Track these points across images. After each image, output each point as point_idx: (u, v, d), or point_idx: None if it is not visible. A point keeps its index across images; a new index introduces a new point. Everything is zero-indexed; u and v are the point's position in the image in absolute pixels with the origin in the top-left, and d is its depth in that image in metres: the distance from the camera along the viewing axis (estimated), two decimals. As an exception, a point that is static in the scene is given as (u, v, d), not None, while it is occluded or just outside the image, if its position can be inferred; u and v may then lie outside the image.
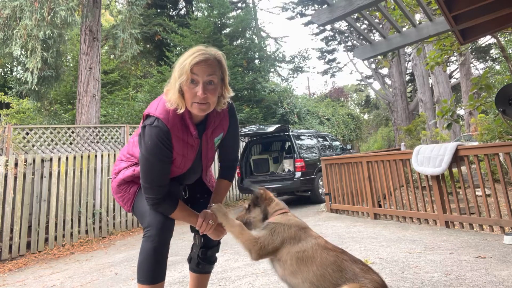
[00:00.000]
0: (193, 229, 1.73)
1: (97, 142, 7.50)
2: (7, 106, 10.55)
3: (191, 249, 1.82)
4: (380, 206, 5.10)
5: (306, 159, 7.23)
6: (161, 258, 1.51)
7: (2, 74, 13.63)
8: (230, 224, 1.48)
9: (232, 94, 1.56)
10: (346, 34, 22.36)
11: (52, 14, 7.32)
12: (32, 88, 7.64)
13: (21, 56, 8.00)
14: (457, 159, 3.98)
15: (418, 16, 7.02)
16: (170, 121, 1.41)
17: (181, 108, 1.41)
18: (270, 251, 1.37)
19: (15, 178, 5.05)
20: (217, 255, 1.86)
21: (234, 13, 15.86)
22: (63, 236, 5.44)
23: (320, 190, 7.28)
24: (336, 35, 24.18)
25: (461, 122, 15.94)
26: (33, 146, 6.61)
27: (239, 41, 13.82)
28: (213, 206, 1.55)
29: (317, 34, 24.99)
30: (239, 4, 22.22)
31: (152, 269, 1.49)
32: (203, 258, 1.75)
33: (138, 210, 1.61)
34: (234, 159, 1.80)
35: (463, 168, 5.14)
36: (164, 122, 1.40)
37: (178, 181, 1.67)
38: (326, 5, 3.28)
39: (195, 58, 1.37)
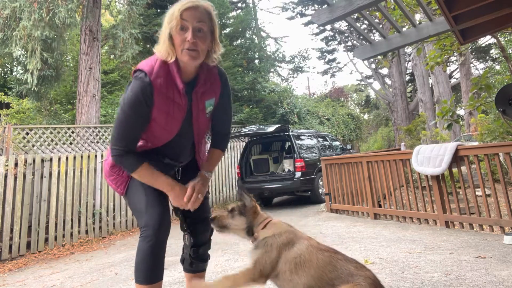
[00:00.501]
0: (182, 228, 1.71)
1: (97, 142, 7.51)
2: (7, 106, 10.54)
3: (183, 250, 1.79)
4: (380, 206, 5.09)
5: (306, 159, 7.23)
6: (158, 258, 1.51)
7: (2, 74, 13.62)
8: (219, 286, 1.39)
9: (222, 50, 1.55)
10: (346, 34, 22.35)
11: (51, 15, 7.32)
12: (32, 89, 7.64)
13: (21, 56, 8.00)
14: (457, 159, 3.98)
15: (418, 16, 7.02)
16: (154, 74, 1.39)
17: (171, 58, 1.40)
18: (270, 268, 1.36)
19: (15, 178, 5.05)
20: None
21: (234, 13, 15.87)
22: (63, 236, 5.44)
23: (320, 190, 7.28)
24: (336, 35, 24.18)
25: (461, 122, 15.94)
26: (33, 146, 6.62)
27: (239, 41, 13.83)
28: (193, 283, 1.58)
29: (317, 34, 25.00)
30: (239, 4, 22.24)
31: (149, 269, 1.49)
32: (195, 257, 1.73)
33: (135, 206, 1.58)
34: (227, 132, 1.75)
35: (463, 168, 5.14)
36: (148, 74, 1.38)
37: (172, 158, 1.62)
38: (326, 5, 3.28)
39: (185, 5, 1.39)
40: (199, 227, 1.72)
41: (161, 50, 1.41)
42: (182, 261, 1.80)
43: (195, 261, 1.73)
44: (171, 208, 1.61)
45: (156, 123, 1.46)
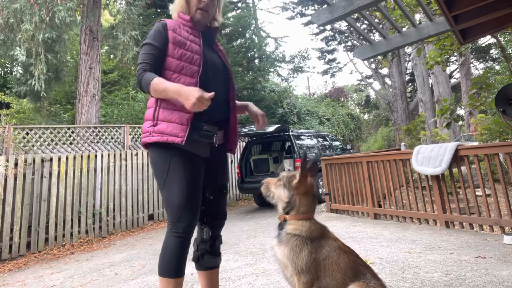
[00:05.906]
0: (201, 220, 1.73)
1: (97, 142, 7.49)
2: (7, 106, 10.54)
3: (197, 247, 1.74)
4: (380, 206, 5.09)
5: (306, 159, 7.22)
6: (186, 253, 1.58)
7: (2, 74, 13.62)
8: None
9: (221, 20, 1.88)
10: (346, 34, 22.33)
11: (50, 15, 7.30)
12: (35, 91, 7.63)
13: (21, 55, 7.96)
14: (457, 159, 3.98)
15: (418, 16, 7.02)
16: (169, 21, 1.70)
17: (186, 13, 1.73)
18: (313, 270, 1.34)
19: (15, 178, 5.05)
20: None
21: (234, 13, 15.86)
22: (63, 236, 5.44)
23: (320, 190, 7.27)
24: (336, 35, 24.15)
25: (461, 122, 15.93)
26: (33, 146, 6.60)
27: (238, 41, 13.81)
28: None
29: (317, 34, 24.96)
30: (239, 4, 22.20)
31: (178, 264, 1.55)
32: (212, 252, 1.73)
33: (170, 196, 1.57)
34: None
35: (463, 168, 5.14)
36: (165, 21, 1.70)
37: (209, 117, 1.63)
38: (326, 5, 3.27)
39: None
40: (219, 221, 1.79)
41: (176, 7, 1.74)
42: (197, 259, 1.74)
43: (212, 256, 1.73)
44: None
45: (174, 59, 1.62)
